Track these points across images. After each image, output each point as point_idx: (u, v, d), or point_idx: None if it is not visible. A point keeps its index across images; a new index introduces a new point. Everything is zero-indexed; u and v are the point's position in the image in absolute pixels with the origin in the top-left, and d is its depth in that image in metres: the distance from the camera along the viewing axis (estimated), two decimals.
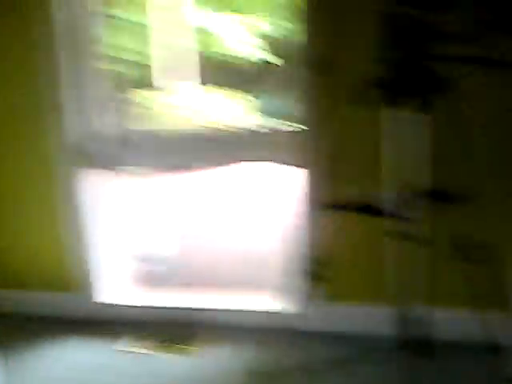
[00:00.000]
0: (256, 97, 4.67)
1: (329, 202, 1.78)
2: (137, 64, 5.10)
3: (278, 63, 3.70)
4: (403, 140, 1.56)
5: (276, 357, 2.16)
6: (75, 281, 2.74)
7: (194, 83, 5.04)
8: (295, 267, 2.01)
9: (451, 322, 2.09)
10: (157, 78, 5.21)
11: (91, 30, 2.68)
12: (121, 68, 4.45)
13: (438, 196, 1.62)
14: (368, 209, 1.70)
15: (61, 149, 2.66)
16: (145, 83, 5.03)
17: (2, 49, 2.62)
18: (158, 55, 5.14)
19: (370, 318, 2.21)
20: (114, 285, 2.83)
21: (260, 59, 4.00)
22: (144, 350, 2.39)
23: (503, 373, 1.71)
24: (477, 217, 1.75)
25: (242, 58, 4.30)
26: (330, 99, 2.13)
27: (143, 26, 4.91)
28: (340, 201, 1.76)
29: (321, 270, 2.01)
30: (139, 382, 2.15)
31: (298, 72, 2.13)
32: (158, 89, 5.20)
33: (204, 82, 4.89)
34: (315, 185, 2.22)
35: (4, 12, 2.55)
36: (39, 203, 2.76)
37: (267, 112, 4.38)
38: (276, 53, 3.80)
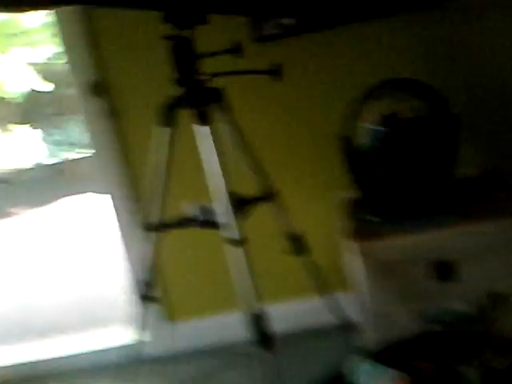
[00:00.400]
0: (41, 129, 4.39)
1: (150, 224, 1.74)
2: None
3: (54, 90, 3.52)
4: (207, 152, 1.57)
5: None
6: None
7: None
8: (135, 296, 1.93)
9: (302, 311, 2.17)
10: None
11: None
12: None
13: (239, 201, 1.66)
14: (192, 222, 1.69)
15: None
16: None
17: None
18: None
19: (226, 326, 2.21)
20: None
21: (35, 90, 3.75)
22: None
23: (356, 346, 1.80)
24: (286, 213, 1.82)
25: (20, 93, 4.05)
26: (117, 121, 2.03)
27: None
28: (164, 220, 1.72)
29: (161, 293, 1.97)
30: None
31: (78, 97, 2.02)
32: None
33: None
34: (127, 209, 2.13)
35: None
36: None
37: (55, 142, 4.10)
38: (51, 80, 3.60)
